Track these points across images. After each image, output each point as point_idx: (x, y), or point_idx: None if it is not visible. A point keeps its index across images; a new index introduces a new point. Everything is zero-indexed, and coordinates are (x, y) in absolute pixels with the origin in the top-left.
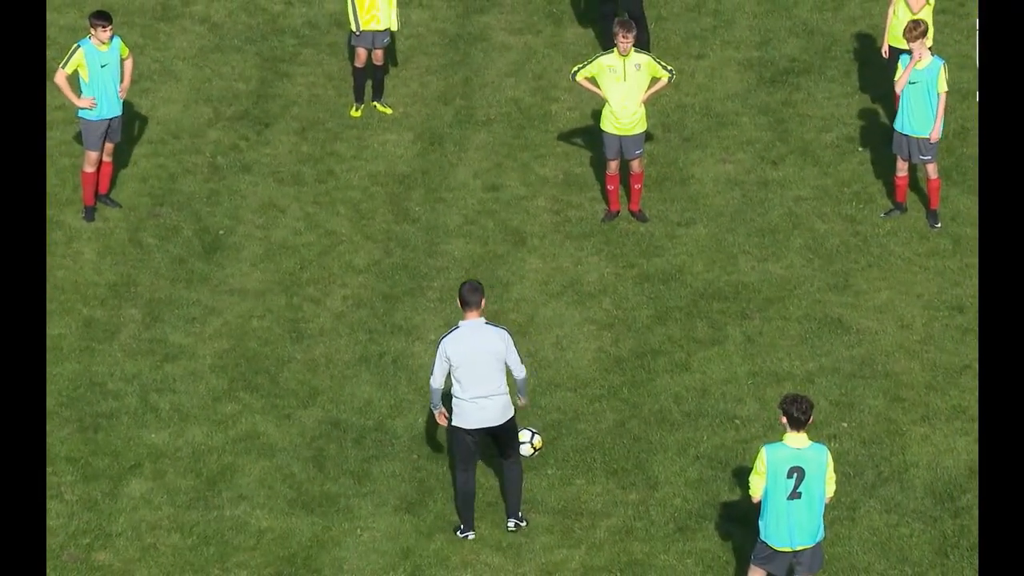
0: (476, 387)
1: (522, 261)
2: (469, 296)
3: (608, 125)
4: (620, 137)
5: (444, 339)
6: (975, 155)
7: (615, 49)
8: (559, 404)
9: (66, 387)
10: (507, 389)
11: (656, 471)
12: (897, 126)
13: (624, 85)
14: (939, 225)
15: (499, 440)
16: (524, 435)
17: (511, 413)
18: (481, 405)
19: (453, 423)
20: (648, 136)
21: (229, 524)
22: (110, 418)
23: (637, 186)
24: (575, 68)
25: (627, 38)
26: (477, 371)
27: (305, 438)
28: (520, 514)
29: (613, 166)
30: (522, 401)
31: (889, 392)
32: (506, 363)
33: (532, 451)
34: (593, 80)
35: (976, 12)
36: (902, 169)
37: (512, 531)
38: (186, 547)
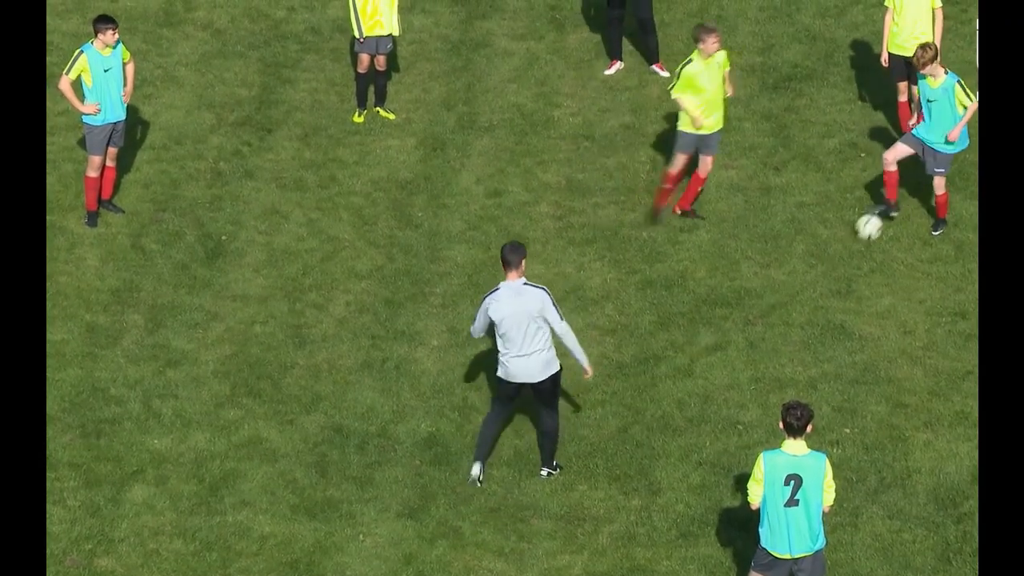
0: (519, 346)
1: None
2: (509, 256)
3: (688, 125)
4: (702, 136)
5: (487, 297)
6: (977, 161)
7: (696, 55)
8: (561, 410)
9: (69, 393)
10: (551, 346)
11: (659, 477)
12: (916, 131)
13: (711, 86)
14: (939, 232)
15: (540, 394)
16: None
17: (554, 369)
18: (524, 362)
19: (497, 373)
20: (651, 142)
21: (232, 530)
22: (113, 424)
23: (699, 187)
24: (671, 86)
25: (717, 41)
26: (519, 331)
27: (307, 444)
28: (554, 462)
29: (682, 161)
30: (586, 373)
31: (891, 398)
32: (550, 320)
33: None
34: (689, 90)
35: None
36: (894, 154)
37: (544, 479)
38: (188, 553)
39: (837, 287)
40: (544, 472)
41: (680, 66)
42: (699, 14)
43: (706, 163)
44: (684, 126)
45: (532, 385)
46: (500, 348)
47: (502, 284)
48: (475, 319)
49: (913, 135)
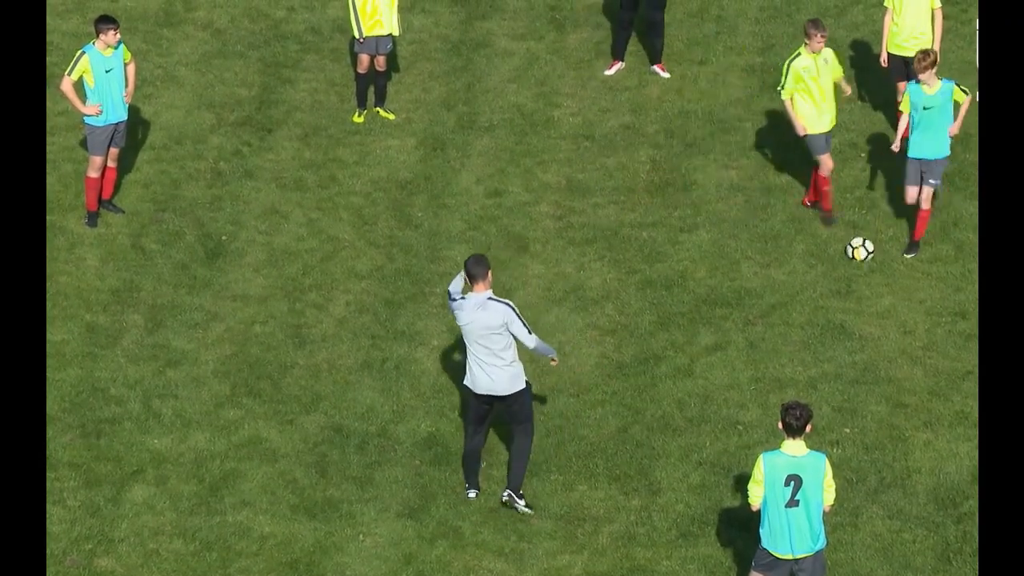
0: (482, 356)
1: (524, 267)
2: (474, 269)
3: (813, 126)
4: (826, 135)
5: (452, 303)
6: (977, 161)
7: (803, 49)
8: (562, 410)
9: (69, 393)
10: (517, 359)
11: (659, 477)
12: (911, 153)
13: (819, 82)
14: (912, 255)
15: (510, 410)
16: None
17: (521, 385)
18: (488, 372)
19: (464, 382)
20: (651, 142)
21: (232, 530)
22: (113, 424)
23: (827, 188)
24: (780, 86)
25: (824, 37)
26: (481, 342)
27: (307, 444)
28: (521, 491)
29: (831, 163)
30: (553, 360)
31: (891, 398)
32: (516, 337)
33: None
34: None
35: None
36: (912, 196)
37: (505, 502)
38: (188, 553)
39: (837, 287)
40: (506, 494)
41: (787, 62)
42: (699, 14)
43: (829, 163)
44: (812, 128)
45: (500, 401)
46: (468, 353)
47: (468, 295)
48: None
49: (910, 159)
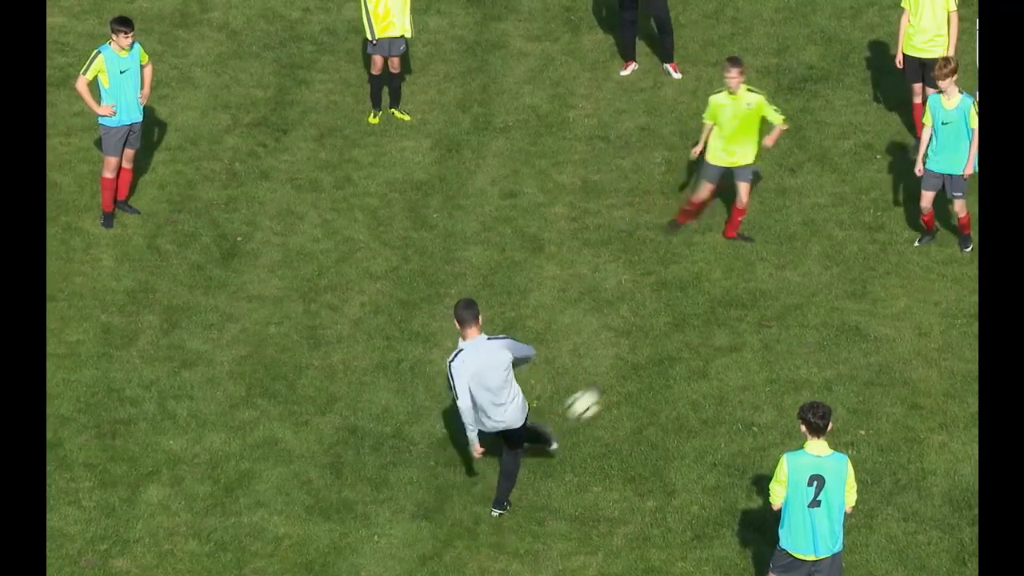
0: (491, 399)
1: (539, 268)
2: (465, 313)
3: (711, 157)
4: (718, 167)
5: (452, 363)
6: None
7: (726, 88)
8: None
9: (84, 393)
10: (520, 391)
11: (673, 478)
12: (929, 165)
13: (734, 123)
14: (970, 248)
15: (512, 437)
16: (589, 397)
17: (526, 413)
18: (498, 412)
19: (476, 430)
20: (666, 143)
21: (246, 530)
22: (128, 424)
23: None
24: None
25: (731, 73)
26: (491, 386)
27: (323, 445)
28: (505, 504)
29: (705, 194)
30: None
31: (907, 400)
32: (519, 360)
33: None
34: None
35: None
36: (927, 201)
37: (494, 518)
38: (203, 553)
39: (852, 288)
40: (495, 512)
41: (712, 96)
42: (715, 15)
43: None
44: (710, 158)
45: (508, 430)
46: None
47: (463, 343)
48: (454, 390)
49: (928, 170)
